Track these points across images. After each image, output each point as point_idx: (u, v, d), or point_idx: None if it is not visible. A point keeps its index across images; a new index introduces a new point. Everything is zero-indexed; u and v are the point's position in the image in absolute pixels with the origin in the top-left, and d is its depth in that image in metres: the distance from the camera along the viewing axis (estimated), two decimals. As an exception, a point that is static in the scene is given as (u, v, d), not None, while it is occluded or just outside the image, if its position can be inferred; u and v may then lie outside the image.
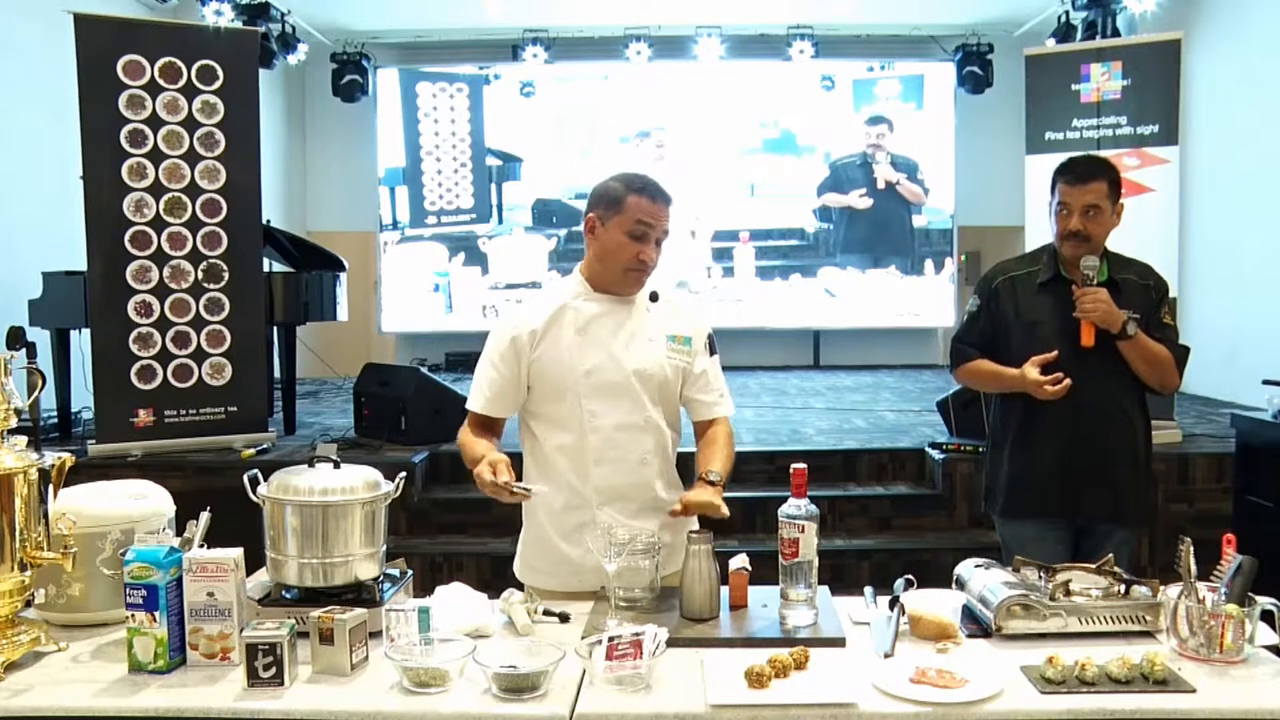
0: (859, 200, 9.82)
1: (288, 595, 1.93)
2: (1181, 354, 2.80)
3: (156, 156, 5.18)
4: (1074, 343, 2.71)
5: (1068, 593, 1.93)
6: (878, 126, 9.86)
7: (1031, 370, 2.70)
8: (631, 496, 2.27)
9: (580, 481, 2.24)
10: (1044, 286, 2.81)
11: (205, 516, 1.96)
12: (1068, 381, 2.67)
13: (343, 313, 6.41)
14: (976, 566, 2.07)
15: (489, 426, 2.33)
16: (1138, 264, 2.88)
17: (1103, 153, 5.25)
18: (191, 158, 5.27)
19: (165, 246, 5.22)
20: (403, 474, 2.04)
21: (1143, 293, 2.80)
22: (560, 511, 2.28)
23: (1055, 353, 2.71)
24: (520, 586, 2.21)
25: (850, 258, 9.91)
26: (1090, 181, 2.71)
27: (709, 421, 2.38)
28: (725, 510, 2.14)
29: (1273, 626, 1.83)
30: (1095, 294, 2.69)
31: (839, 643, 1.87)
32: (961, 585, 2.05)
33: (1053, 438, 2.79)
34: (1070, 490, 2.79)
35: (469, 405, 2.34)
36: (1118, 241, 2.85)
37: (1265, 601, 1.80)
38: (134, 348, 5.17)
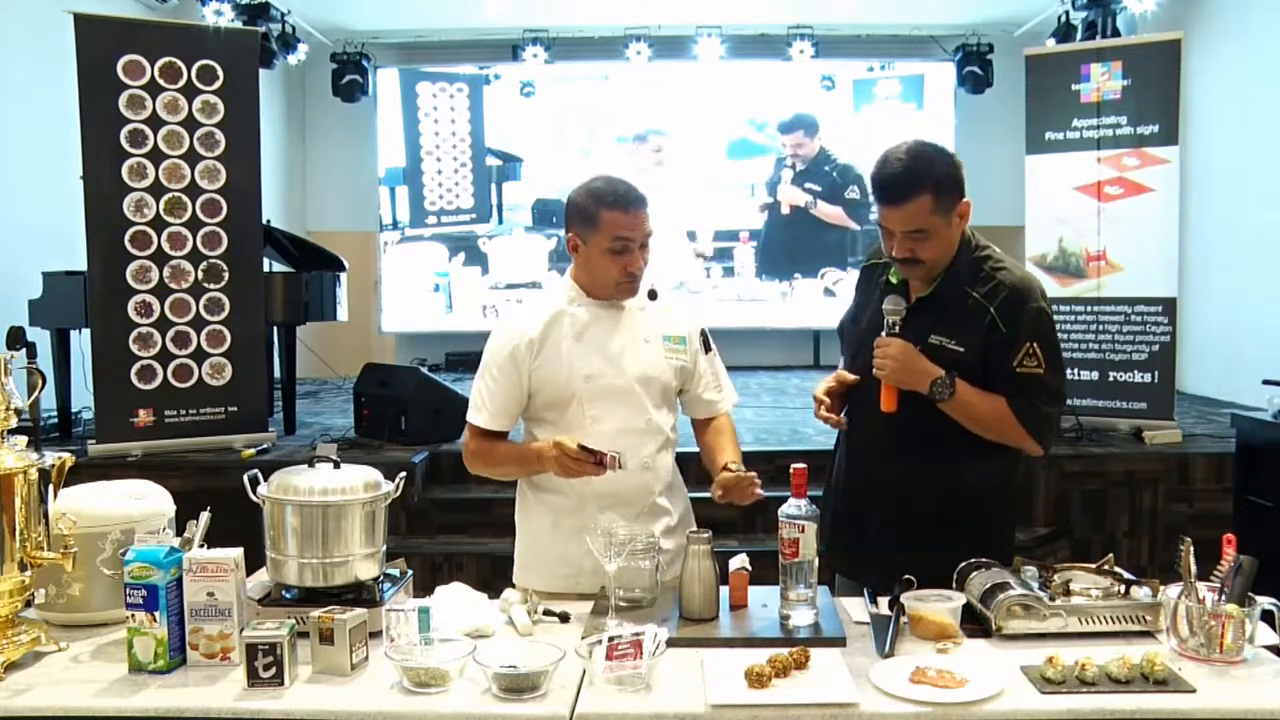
0: (759, 215, 9.58)
1: (288, 595, 1.93)
2: (1031, 417, 2.11)
3: (156, 156, 5.18)
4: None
5: (1068, 593, 1.93)
6: (793, 134, 8.78)
7: (823, 385, 2.28)
8: (633, 501, 2.27)
9: (582, 485, 2.23)
10: (888, 286, 2.26)
11: (205, 516, 1.96)
12: (838, 419, 2.24)
13: (343, 313, 6.41)
14: (977, 567, 2.07)
15: (493, 440, 2.31)
16: (1007, 280, 2.13)
17: (1103, 153, 5.22)
18: (191, 158, 5.26)
19: (165, 246, 5.21)
20: (403, 474, 2.04)
21: (976, 320, 2.13)
22: (561, 514, 2.28)
23: (855, 377, 2.24)
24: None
25: (764, 269, 9.67)
26: (907, 200, 2.08)
27: (710, 417, 2.39)
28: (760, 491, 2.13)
29: (1273, 626, 1.83)
30: (887, 348, 2.12)
31: (839, 643, 1.87)
32: (961, 585, 2.05)
33: (849, 473, 2.36)
34: (845, 543, 2.35)
35: (472, 419, 2.30)
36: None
37: (1265, 601, 1.80)
38: (134, 348, 5.16)
